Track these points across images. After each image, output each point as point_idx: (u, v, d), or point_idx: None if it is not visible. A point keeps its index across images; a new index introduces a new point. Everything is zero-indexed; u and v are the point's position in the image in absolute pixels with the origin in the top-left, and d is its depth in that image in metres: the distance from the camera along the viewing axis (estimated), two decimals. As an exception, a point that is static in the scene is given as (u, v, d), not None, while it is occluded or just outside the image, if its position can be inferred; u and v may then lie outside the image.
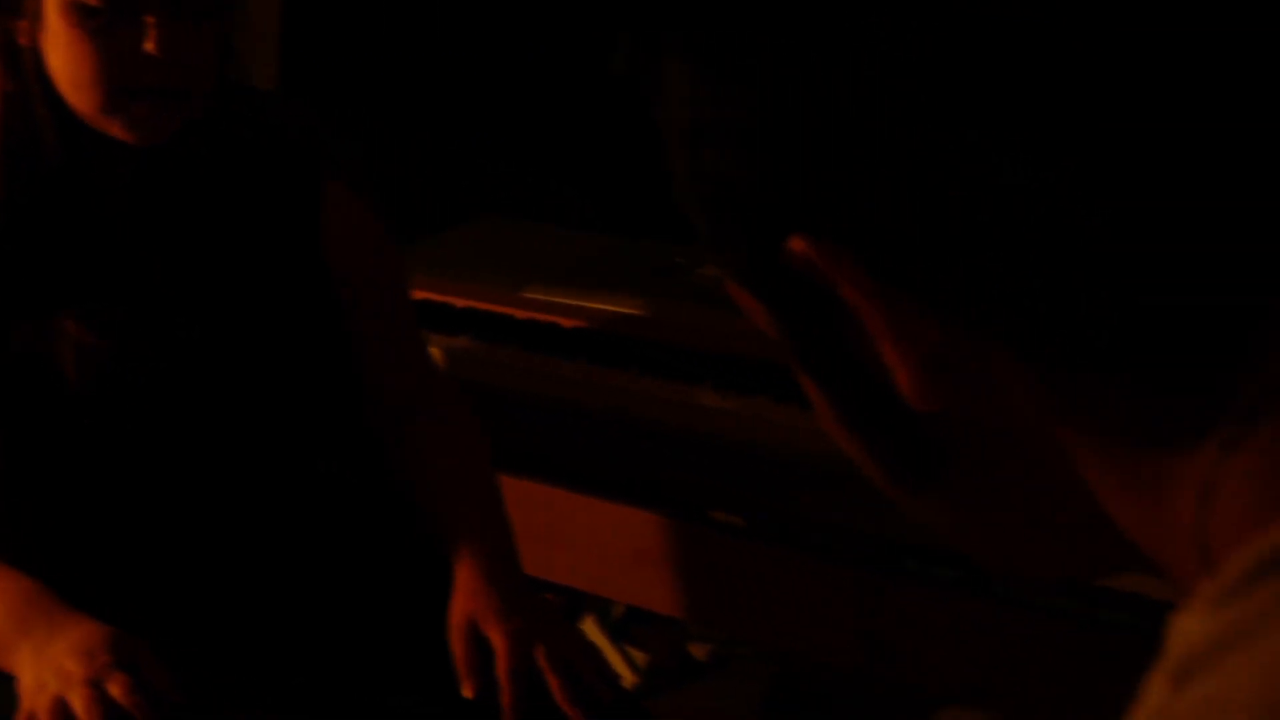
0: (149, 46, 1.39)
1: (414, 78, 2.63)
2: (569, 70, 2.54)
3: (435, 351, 1.89)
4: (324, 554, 1.62)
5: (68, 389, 1.50)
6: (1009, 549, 0.63)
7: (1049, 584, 0.62)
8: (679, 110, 0.57)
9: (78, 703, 1.36)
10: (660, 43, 0.58)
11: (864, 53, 0.52)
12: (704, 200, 0.58)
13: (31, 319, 1.50)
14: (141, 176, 1.52)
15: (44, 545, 1.56)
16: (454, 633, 1.48)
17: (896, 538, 1.84)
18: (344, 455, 1.65)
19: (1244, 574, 0.47)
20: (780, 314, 0.59)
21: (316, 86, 2.54)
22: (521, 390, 2.10)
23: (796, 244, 0.54)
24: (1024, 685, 1.78)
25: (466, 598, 1.49)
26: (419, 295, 1.95)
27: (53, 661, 1.40)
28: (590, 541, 2.09)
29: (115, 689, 1.37)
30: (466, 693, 1.45)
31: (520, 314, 2.21)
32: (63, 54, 1.42)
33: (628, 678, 2.38)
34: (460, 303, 2.26)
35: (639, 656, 2.42)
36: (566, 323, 2.17)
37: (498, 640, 1.45)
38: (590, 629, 2.43)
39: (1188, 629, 0.48)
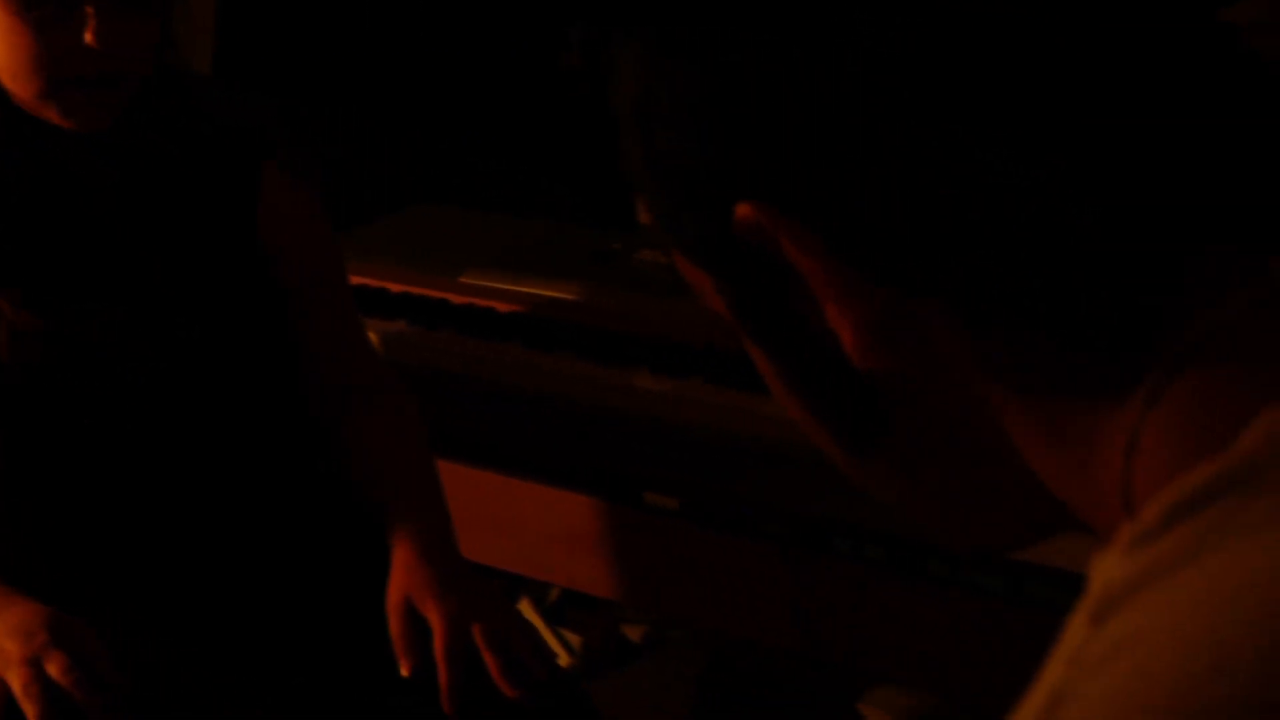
0: (88, 38, 1.39)
1: (349, 67, 2.63)
2: (505, 58, 2.55)
3: (372, 336, 1.90)
4: (299, 545, 1.63)
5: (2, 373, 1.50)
6: (949, 514, 0.66)
7: (988, 552, 0.65)
8: (633, 91, 0.60)
9: (15, 682, 1.37)
10: (616, 28, 0.61)
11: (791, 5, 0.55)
12: (657, 175, 0.60)
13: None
14: (81, 162, 1.53)
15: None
16: (391, 612, 1.49)
17: (828, 518, 1.86)
18: (290, 440, 1.66)
19: (1160, 518, 0.50)
20: (729, 285, 0.62)
21: (251, 75, 2.54)
22: (458, 374, 2.11)
23: (746, 210, 0.57)
24: (954, 663, 1.80)
25: (403, 577, 1.51)
26: (355, 281, 1.96)
27: None
28: (525, 525, 2.11)
29: (53, 668, 1.37)
30: (404, 671, 1.46)
31: (457, 299, 2.22)
32: (2, 43, 1.42)
33: (563, 660, 2.40)
34: (396, 288, 2.27)
35: (574, 639, 2.44)
36: (503, 308, 2.18)
37: (435, 619, 1.46)
38: (526, 612, 2.44)
39: (1107, 570, 0.51)
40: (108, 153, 1.53)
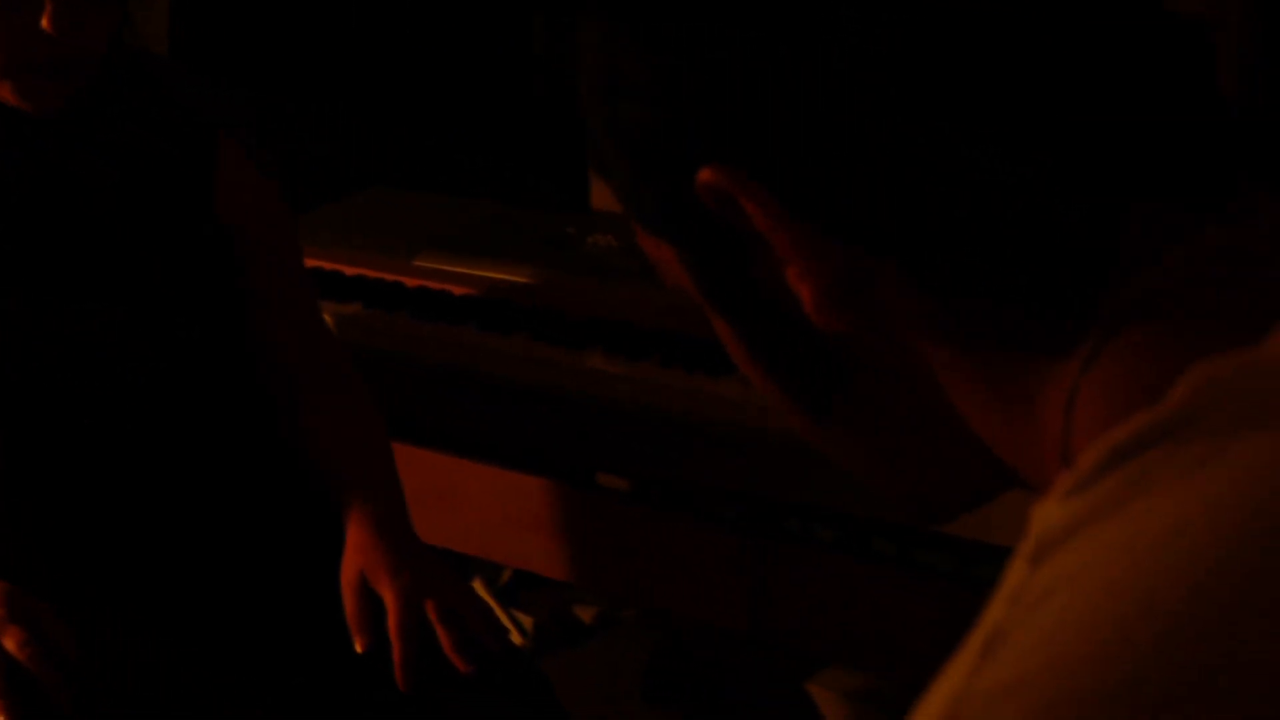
0: (45, 22, 1.39)
1: (303, 49, 2.64)
2: (461, 41, 2.56)
3: (327, 318, 1.91)
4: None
5: None
6: (901, 477, 0.68)
7: (937, 516, 0.68)
8: (598, 65, 0.62)
9: (-29, 657, 1.37)
10: (580, 9, 0.63)
11: None
12: (622, 148, 0.63)
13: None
14: (39, 142, 1.53)
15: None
16: (346, 590, 1.50)
17: (780, 500, 1.89)
18: (256, 423, 1.67)
19: (1094, 466, 0.52)
20: (692, 253, 0.64)
21: (205, 58, 2.54)
22: (412, 356, 2.12)
23: (709, 175, 0.59)
24: (903, 643, 1.83)
25: (357, 554, 1.52)
26: (310, 264, 1.96)
27: None
28: (478, 507, 2.12)
29: (9, 642, 1.38)
30: (358, 648, 1.47)
31: (411, 282, 2.23)
32: None
33: (515, 641, 2.42)
34: (351, 271, 2.28)
35: (525, 620, 2.46)
36: (458, 290, 2.19)
37: (388, 596, 1.48)
38: (478, 593, 2.46)
39: (1045, 516, 0.53)
40: (66, 133, 1.54)
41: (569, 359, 2.00)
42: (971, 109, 0.56)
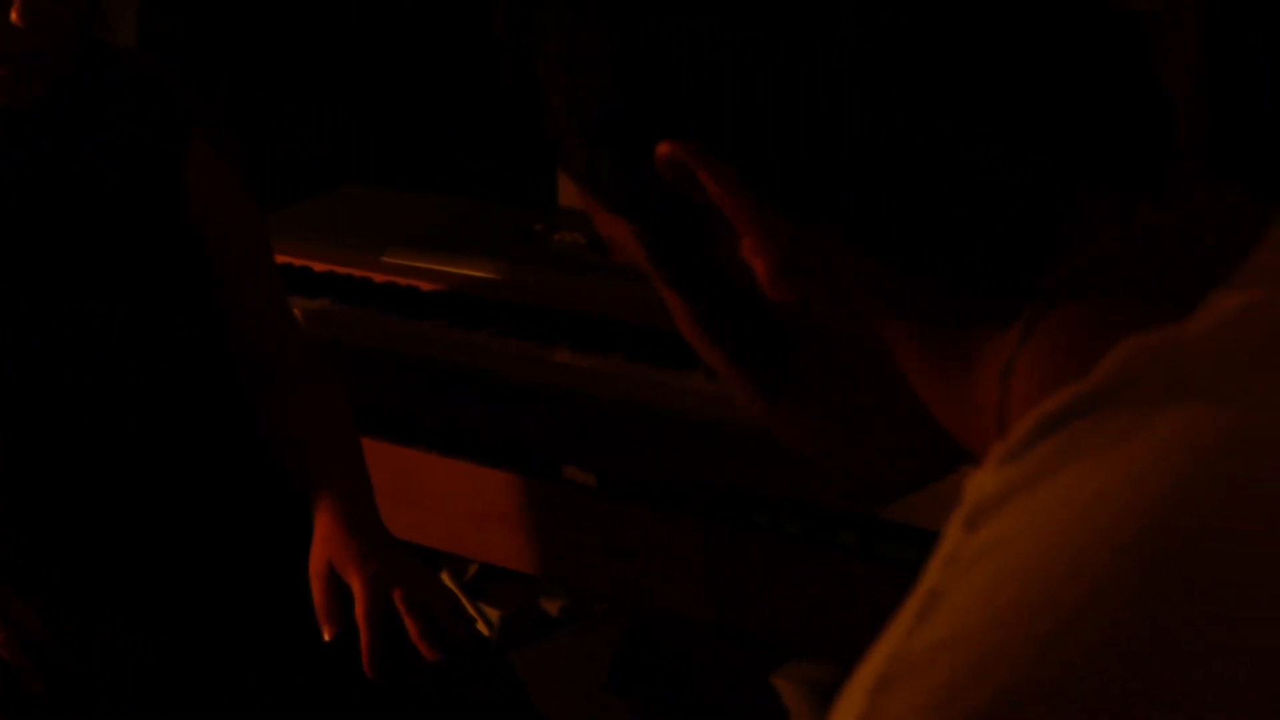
0: (14, 15, 1.40)
1: (273, 45, 2.65)
2: (429, 38, 2.58)
3: (295, 313, 1.92)
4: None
5: None
6: (852, 454, 0.70)
7: (886, 495, 0.70)
8: (557, 40, 0.64)
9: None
10: None
11: None
12: (582, 125, 0.64)
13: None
14: (8, 135, 1.54)
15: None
16: (314, 579, 1.52)
17: (746, 492, 1.91)
18: (241, 418, 1.68)
19: (1025, 436, 0.55)
20: (648, 228, 0.65)
21: (175, 54, 2.55)
22: (380, 351, 2.13)
23: (666, 148, 0.60)
24: (869, 636, 1.85)
25: (325, 544, 1.53)
26: (280, 260, 1.97)
27: None
28: (446, 501, 2.13)
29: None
30: (326, 636, 1.49)
31: (380, 278, 2.24)
32: None
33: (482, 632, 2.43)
34: (320, 267, 2.29)
35: (492, 613, 2.47)
36: (426, 286, 2.21)
37: (356, 585, 1.49)
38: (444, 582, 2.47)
39: (979, 483, 0.55)
40: (37, 127, 1.54)
41: (537, 353, 2.02)
42: (921, 91, 0.58)
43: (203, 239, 1.65)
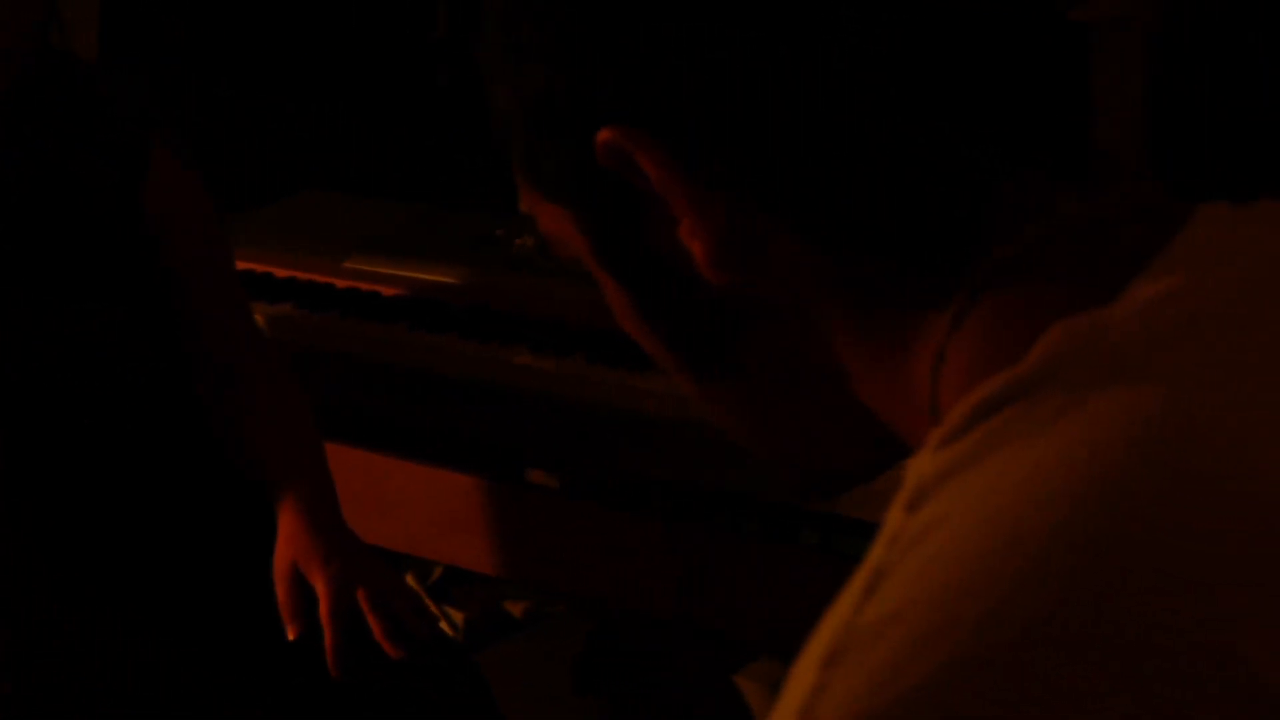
0: None
1: (233, 54, 2.65)
2: (389, 46, 2.59)
3: (258, 319, 1.92)
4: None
5: None
6: (788, 443, 0.71)
7: (820, 488, 0.71)
8: (499, 30, 0.65)
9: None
10: None
11: None
12: (524, 114, 0.65)
13: None
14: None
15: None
16: (278, 580, 1.53)
17: (707, 491, 1.92)
18: (181, 419, 1.69)
19: (962, 420, 0.57)
20: (589, 215, 0.66)
21: (136, 60, 2.55)
22: (343, 356, 2.14)
23: (608, 134, 0.62)
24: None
25: (288, 544, 1.54)
26: (241, 266, 1.98)
27: None
28: (409, 505, 2.14)
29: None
30: (290, 635, 1.50)
31: (342, 283, 2.25)
32: None
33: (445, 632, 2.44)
34: (282, 273, 2.30)
35: (457, 616, 2.48)
36: (387, 291, 2.22)
37: (319, 584, 1.50)
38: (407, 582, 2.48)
39: (919, 467, 0.57)
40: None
41: (498, 356, 2.03)
42: (853, 78, 0.59)
43: (162, 245, 1.65)
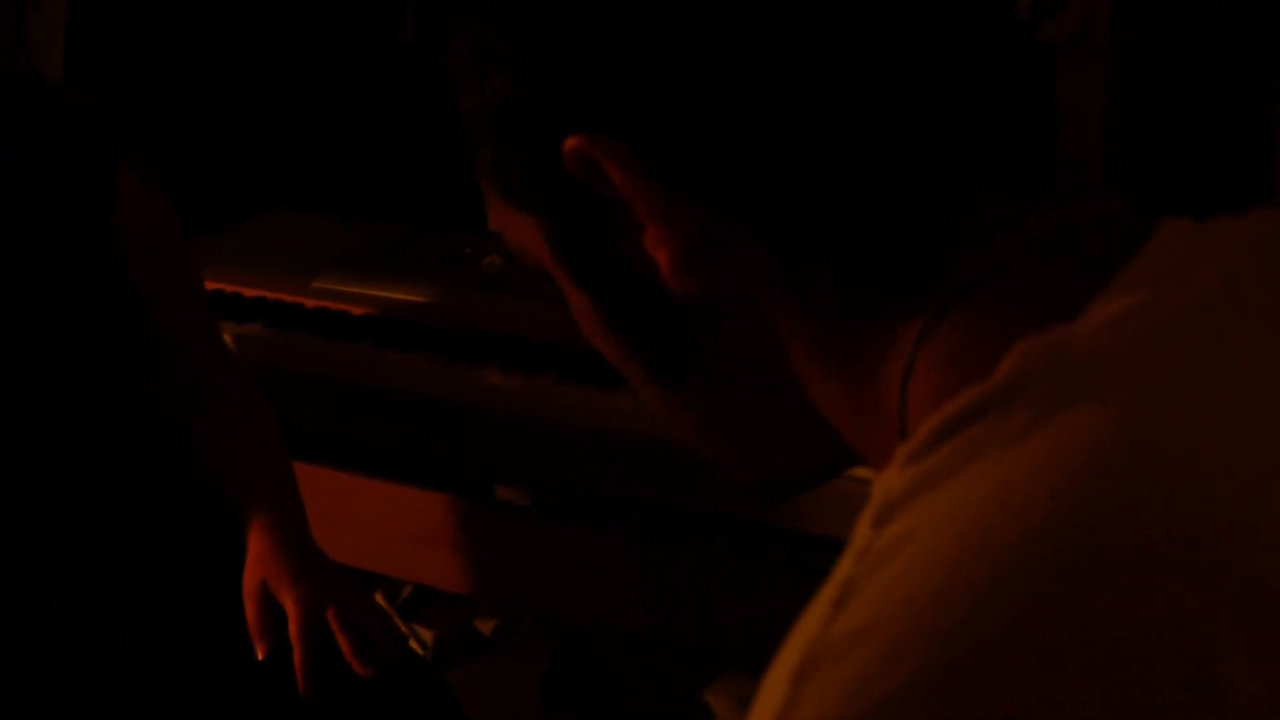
0: None
1: (203, 73, 2.65)
2: (359, 67, 2.59)
3: (227, 339, 1.92)
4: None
5: None
6: (745, 448, 0.72)
7: (778, 492, 0.72)
8: (467, 40, 0.66)
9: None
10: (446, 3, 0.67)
11: None
12: (492, 123, 0.66)
13: None
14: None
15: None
16: (247, 599, 1.53)
17: (676, 508, 1.93)
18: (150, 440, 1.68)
19: (929, 436, 0.57)
20: (555, 223, 0.67)
21: (103, 81, 2.54)
22: (312, 376, 2.14)
23: (576, 141, 0.62)
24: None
25: (258, 564, 1.54)
26: (210, 286, 1.98)
27: None
28: (378, 523, 2.14)
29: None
30: (259, 655, 1.50)
31: (311, 303, 2.25)
32: None
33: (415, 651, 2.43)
34: (251, 293, 2.30)
35: (426, 634, 2.48)
36: (356, 310, 2.22)
37: (289, 603, 1.50)
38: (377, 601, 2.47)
39: (887, 483, 0.58)
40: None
41: (467, 375, 2.03)
42: (824, 89, 0.60)
43: (130, 268, 1.65)
